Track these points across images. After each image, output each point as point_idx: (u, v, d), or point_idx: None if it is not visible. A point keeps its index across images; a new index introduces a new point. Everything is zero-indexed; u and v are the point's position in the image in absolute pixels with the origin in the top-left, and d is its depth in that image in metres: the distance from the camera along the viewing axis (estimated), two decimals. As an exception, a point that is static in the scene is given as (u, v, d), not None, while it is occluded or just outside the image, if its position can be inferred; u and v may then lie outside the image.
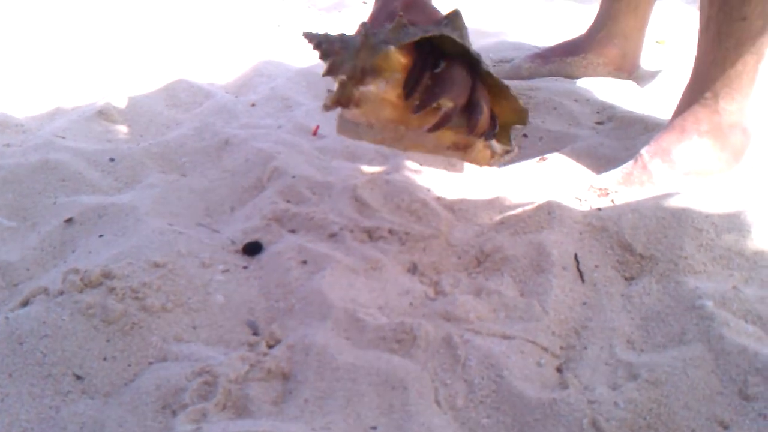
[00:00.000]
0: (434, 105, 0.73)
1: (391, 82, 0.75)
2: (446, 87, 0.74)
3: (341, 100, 0.77)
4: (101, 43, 1.70)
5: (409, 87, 0.75)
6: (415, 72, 0.75)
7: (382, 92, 0.76)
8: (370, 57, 0.75)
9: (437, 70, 0.75)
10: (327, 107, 0.79)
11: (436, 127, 0.74)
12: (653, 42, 1.68)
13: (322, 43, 0.82)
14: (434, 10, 0.85)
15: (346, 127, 0.81)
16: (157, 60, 1.61)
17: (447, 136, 0.78)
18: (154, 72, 1.52)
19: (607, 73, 1.43)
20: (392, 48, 0.74)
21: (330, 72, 0.80)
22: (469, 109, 0.75)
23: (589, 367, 0.70)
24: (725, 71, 0.95)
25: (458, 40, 0.76)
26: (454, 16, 0.79)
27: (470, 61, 0.77)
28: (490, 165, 0.83)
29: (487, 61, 1.48)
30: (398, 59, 0.74)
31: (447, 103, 0.73)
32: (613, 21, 1.41)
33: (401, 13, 0.76)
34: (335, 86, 0.79)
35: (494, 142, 0.82)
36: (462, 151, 0.80)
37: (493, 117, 0.79)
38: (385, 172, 1.06)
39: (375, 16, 0.89)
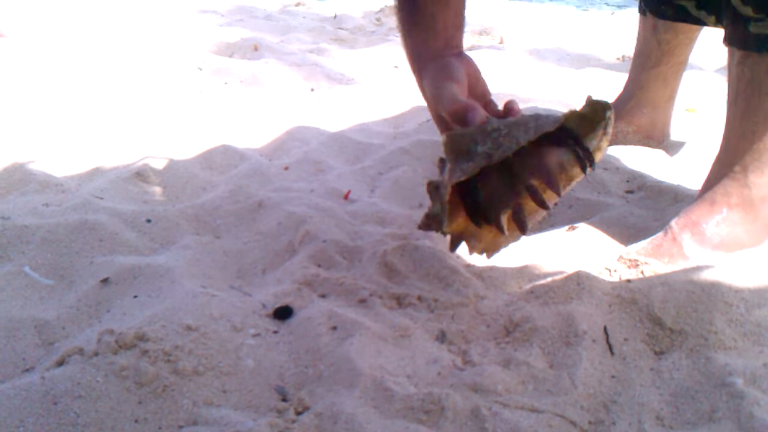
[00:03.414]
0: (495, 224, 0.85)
1: (476, 233, 0.90)
2: (495, 210, 0.85)
3: (453, 242, 0.92)
4: (140, 105, 1.75)
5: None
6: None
7: (479, 242, 0.90)
8: (437, 204, 0.86)
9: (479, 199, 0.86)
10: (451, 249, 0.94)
11: (522, 231, 0.87)
12: (683, 110, 1.69)
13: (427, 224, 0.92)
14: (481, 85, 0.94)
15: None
16: (193, 122, 1.65)
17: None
18: (191, 134, 1.56)
19: (636, 142, 1.44)
20: (445, 224, 0.85)
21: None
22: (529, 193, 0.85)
23: (618, 443, 0.70)
24: (754, 145, 0.96)
25: (481, 162, 0.81)
26: (451, 137, 0.85)
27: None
28: (608, 144, 0.86)
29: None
30: (458, 225, 0.89)
31: (504, 213, 0.84)
32: (642, 90, 1.43)
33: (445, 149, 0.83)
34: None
35: (588, 142, 0.85)
36: (570, 179, 0.86)
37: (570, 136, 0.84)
38: (414, 237, 1.07)
39: (432, 117, 0.96)
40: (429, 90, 0.92)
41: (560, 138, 0.83)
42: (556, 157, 0.84)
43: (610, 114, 0.83)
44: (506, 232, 0.85)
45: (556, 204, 0.88)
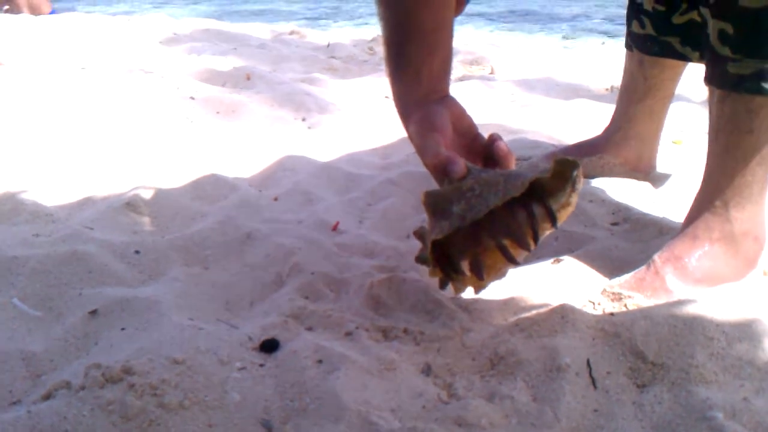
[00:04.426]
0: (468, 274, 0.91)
1: (455, 281, 0.93)
2: (457, 257, 0.90)
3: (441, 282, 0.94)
4: (132, 134, 1.77)
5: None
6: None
7: (460, 288, 0.93)
8: (425, 251, 0.89)
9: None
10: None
11: (482, 282, 0.92)
12: (670, 142, 1.72)
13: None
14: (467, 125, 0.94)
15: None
16: (184, 152, 1.67)
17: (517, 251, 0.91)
18: (182, 164, 1.58)
19: (623, 174, 1.46)
20: (429, 270, 0.91)
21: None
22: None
23: (599, 478, 0.71)
24: (735, 181, 0.97)
25: (452, 226, 0.84)
26: (431, 195, 0.89)
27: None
28: (576, 198, 0.89)
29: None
30: (436, 273, 0.92)
31: (465, 264, 0.90)
32: (629, 123, 1.45)
33: (425, 202, 0.88)
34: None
35: (554, 202, 0.88)
36: (526, 246, 0.89)
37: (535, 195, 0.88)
38: (401, 270, 1.08)
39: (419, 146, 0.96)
40: (414, 139, 0.94)
41: (532, 192, 0.86)
42: (525, 213, 0.88)
43: (577, 173, 0.86)
44: (484, 277, 0.89)
45: (527, 256, 0.93)
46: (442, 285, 0.93)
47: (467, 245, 0.90)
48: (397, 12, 0.95)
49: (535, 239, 0.88)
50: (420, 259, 0.90)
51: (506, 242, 0.88)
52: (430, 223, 0.87)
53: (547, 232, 0.90)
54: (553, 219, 0.87)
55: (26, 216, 1.29)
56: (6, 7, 4.06)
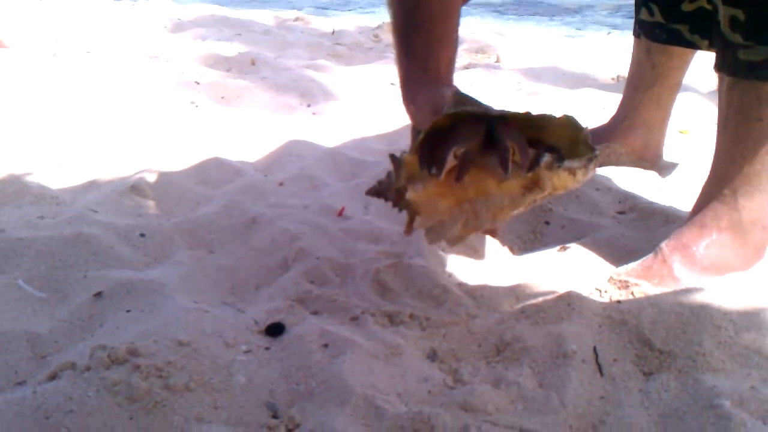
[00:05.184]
0: (454, 162, 0.78)
1: (424, 179, 0.81)
2: (451, 143, 0.79)
3: (408, 216, 0.86)
4: (137, 118, 1.76)
5: (429, 168, 0.81)
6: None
7: (422, 191, 0.82)
8: (401, 174, 0.82)
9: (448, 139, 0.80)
10: (407, 232, 0.88)
11: (460, 175, 0.79)
12: (676, 132, 1.71)
13: (379, 191, 0.91)
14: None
15: (431, 237, 0.87)
16: (189, 136, 1.66)
17: (511, 185, 0.81)
18: (187, 148, 1.57)
19: (629, 163, 1.45)
20: (405, 155, 0.81)
21: (395, 205, 0.88)
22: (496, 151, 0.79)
23: (605, 464, 0.70)
24: (743, 169, 0.97)
25: (460, 110, 0.80)
26: (456, 97, 0.85)
27: (481, 116, 0.81)
28: (584, 179, 0.82)
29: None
30: (413, 159, 0.81)
31: (459, 151, 0.79)
32: (636, 112, 1.44)
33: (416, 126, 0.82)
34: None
35: (568, 162, 0.81)
36: (537, 189, 0.81)
37: (540, 144, 0.81)
38: (407, 255, 1.08)
39: (412, 139, 0.95)
40: (416, 121, 0.93)
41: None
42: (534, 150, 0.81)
43: (597, 155, 0.81)
44: (463, 177, 0.80)
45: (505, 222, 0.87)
46: (411, 221, 0.86)
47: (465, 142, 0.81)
48: (407, 1, 0.96)
49: (531, 167, 0.79)
50: (380, 187, 0.87)
51: (511, 145, 0.79)
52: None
53: (540, 195, 0.82)
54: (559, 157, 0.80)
55: (31, 198, 1.28)
56: None
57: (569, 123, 0.81)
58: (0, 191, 1.32)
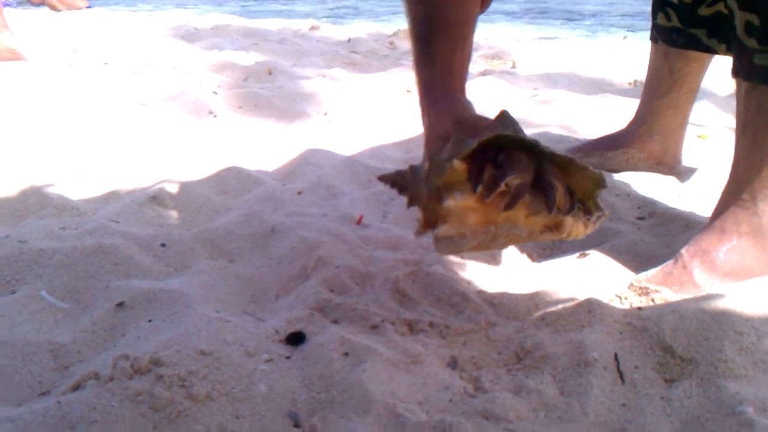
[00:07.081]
0: (503, 188, 0.79)
1: (465, 191, 0.82)
2: (508, 169, 0.80)
3: (429, 222, 0.85)
4: (156, 128, 1.78)
5: (476, 184, 0.81)
6: (479, 172, 0.81)
7: (460, 202, 0.82)
8: (439, 176, 0.82)
9: (499, 161, 0.81)
10: (419, 233, 0.87)
11: (510, 205, 0.80)
12: (695, 137, 1.70)
13: (396, 180, 0.90)
14: (482, 119, 0.89)
15: (443, 246, 0.86)
16: (208, 146, 1.67)
17: (536, 221, 0.83)
18: (206, 158, 1.58)
19: (648, 168, 1.45)
20: (455, 161, 0.81)
21: (411, 202, 0.88)
22: (543, 189, 0.80)
23: (628, 472, 0.70)
24: (762, 173, 0.96)
25: (512, 135, 0.82)
26: (502, 116, 0.86)
27: (529, 147, 0.82)
28: (589, 233, 0.86)
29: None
30: (463, 168, 0.81)
31: (513, 181, 0.79)
32: (653, 117, 1.43)
33: (455, 130, 0.82)
34: (418, 213, 0.87)
35: (582, 214, 0.85)
36: (556, 231, 0.84)
37: (570, 191, 0.84)
38: (426, 263, 1.08)
39: (429, 143, 0.95)
40: (435, 126, 0.94)
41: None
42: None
43: (607, 214, 0.87)
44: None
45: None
46: (425, 224, 0.86)
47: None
48: (426, 7, 0.96)
49: (569, 210, 0.82)
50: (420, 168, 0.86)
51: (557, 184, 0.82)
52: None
53: (555, 237, 0.84)
54: (585, 211, 0.85)
55: (52, 210, 1.29)
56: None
57: (596, 179, 0.84)
58: (21, 203, 1.34)
